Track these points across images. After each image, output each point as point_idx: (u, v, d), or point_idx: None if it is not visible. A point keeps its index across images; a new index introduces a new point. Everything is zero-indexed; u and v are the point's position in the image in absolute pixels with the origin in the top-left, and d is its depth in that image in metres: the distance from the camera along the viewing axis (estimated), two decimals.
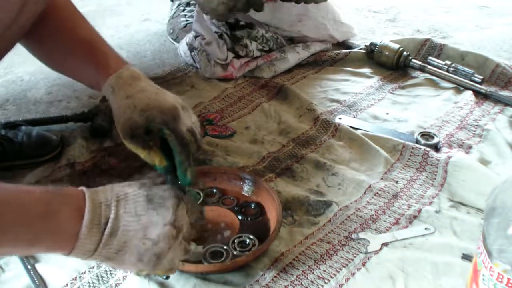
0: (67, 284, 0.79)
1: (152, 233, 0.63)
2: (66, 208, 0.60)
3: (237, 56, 1.36)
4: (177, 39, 1.57)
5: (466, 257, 0.82)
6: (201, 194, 0.94)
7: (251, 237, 0.85)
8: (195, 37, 1.42)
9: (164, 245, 0.64)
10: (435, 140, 1.10)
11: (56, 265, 0.82)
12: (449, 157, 1.02)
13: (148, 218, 0.63)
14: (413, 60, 1.41)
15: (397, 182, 1.01)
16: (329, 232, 0.89)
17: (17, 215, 0.57)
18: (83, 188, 0.64)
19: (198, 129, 0.81)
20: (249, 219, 0.89)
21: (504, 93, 1.30)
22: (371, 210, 0.94)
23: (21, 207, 0.58)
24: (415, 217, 0.92)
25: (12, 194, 0.58)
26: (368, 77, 1.41)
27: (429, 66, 1.39)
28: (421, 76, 1.40)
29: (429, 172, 1.02)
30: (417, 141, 1.11)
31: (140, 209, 0.63)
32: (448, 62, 1.37)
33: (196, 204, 0.72)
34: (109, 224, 0.61)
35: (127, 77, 0.80)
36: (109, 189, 0.65)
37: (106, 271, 0.81)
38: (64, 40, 0.86)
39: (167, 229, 0.64)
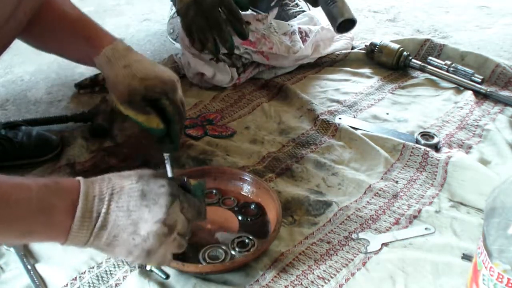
0: (67, 284, 0.79)
1: (141, 230, 0.63)
2: (61, 203, 0.61)
3: (237, 68, 1.33)
4: (177, 39, 1.57)
5: (466, 257, 0.82)
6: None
7: (250, 237, 0.85)
8: None
9: (154, 242, 0.64)
10: (435, 140, 1.10)
11: (56, 265, 0.82)
12: (449, 157, 1.02)
13: (139, 214, 0.63)
14: (413, 60, 1.41)
15: (397, 182, 1.01)
16: (329, 232, 0.89)
17: (11, 210, 0.58)
18: (80, 179, 0.64)
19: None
20: (249, 219, 0.89)
21: (504, 93, 1.30)
22: (371, 210, 0.94)
23: (15, 204, 0.59)
24: (415, 217, 0.92)
25: (7, 190, 0.59)
26: (368, 77, 1.41)
27: (429, 66, 1.39)
28: (421, 76, 1.40)
29: (429, 172, 1.02)
30: (417, 141, 1.11)
31: (133, 205, 0.63)
32: (448, 62, 1.37)
33: (197, 201, 0.71)
34: (100, 218, 0.62)
35: (122, 49, 0.83)
36: (106, 180, 0.66)
37: (106, 271, 0.81)
38: (54, 18, 0.87)
39: (157, 227, 0.63)
